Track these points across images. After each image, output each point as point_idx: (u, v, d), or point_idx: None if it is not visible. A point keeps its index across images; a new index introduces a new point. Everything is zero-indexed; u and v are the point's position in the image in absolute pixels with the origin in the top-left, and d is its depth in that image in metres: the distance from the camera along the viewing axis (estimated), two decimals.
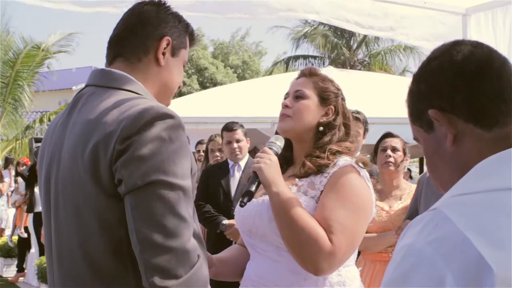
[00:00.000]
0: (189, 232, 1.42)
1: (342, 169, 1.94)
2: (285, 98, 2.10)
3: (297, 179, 2.00)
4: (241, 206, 1.90)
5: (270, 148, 2.00)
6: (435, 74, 1.06)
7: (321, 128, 2.04)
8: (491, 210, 0.90)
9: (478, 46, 1.07)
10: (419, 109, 1.08)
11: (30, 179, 9.17)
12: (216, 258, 2.09)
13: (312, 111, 2.04)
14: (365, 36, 24.33)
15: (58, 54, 18.10)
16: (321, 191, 1.94)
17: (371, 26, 3.70)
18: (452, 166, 1.04)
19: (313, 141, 2.04)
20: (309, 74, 2.11)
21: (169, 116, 1.45)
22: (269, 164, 1.91)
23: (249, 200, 1.90)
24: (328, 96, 2.07)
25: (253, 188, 1.90)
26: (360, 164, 2.00)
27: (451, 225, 0.88)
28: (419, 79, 1.09)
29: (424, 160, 1.14)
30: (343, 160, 1.98)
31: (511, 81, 1.03)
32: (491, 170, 0.96)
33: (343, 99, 2.11)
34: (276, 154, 1.99)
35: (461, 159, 1.02)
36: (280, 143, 2.03)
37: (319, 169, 1.97)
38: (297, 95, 2.06)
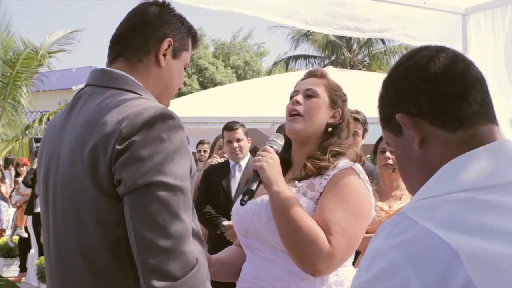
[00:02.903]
0: (188, 234, 1.42)
1: (342, 172, 1.94)
2: (292, 96, 2.08)
3: (296, 181, 1.99)
4: (242, 204, 1.89)
5: (271, 147, 1.99)
6: (402, 79, 1.08)
7: (329, 129, 2.04)
8: (457, 210, 0.91)
9: (443, 50, 1.08)
10: (388, 114, 1.09)
11: (32, 181, 9.17)
12: (214, 258, 2.09)
13: (323, 110, 2.04)
14: (366, 38, 24.30)
15: (59, 53, 18.07)
16: (321, 193, 1.93)
17: (371, 30, 3.71)
18: (419, 169, 1.05)
19: (318, 142, 2.04)
20: (320, 75, 2.11)
21: (169, 116, 1.45)
22: (271, 163, 1.91)
23: (249, 199, 1.89)
24: (337, 99, 2.07)
25: (254, 187, 1.89)
26: (357, 165, 2.00)
27: (417, 226, 0.89)
28: (387, 84, 1.11)
29: None
30: (343, 163, 1.97)
31: (475, 84, 1.04)
32: (452, 173, 0.97)
33: (347, 105, 2.13)
34: (277, 152, 1.99)
35: (428, 162, 1.04)
36: (280, 141, 2.02)
37: (319, 171, 1.97)
38: (308, 94, 2.04)
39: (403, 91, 1.06)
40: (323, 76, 2.11)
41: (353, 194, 1.91)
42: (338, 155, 2.00)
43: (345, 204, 1.88)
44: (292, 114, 2.03)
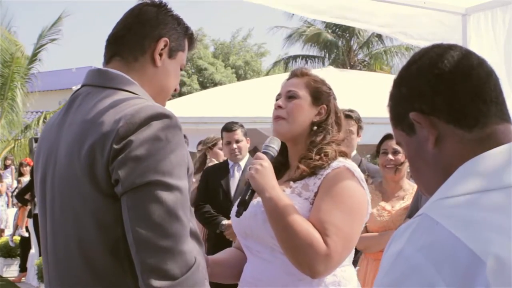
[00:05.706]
0: (186, 233, 1.42)
1: (335, 171, 1.94)
2: (276, 99, 2.11)
3: (291, 182, 2.00)
4: (237, 216, 1.91)
5: (265, 152, 2.00)
6: (415, 77, 1.06)
7: (314, 128, 2.05)
8: (478, 210, 0.90)
9: (456, 49, 1.07)
10: (400, 113, 1.08)
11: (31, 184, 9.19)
12: (211, 259, 2.09)
13: (305, 110, 2.05)
14: (367, 38, 24.32)
15: (57, 51, 18.03)
16: (315, 193, 1.94)
17: (369, 22, 3.71)
18: (434, 168, 1.04)
19: (307, 141, 2.05)
20: (300, 74, 2.13)
21: (165, 116, 1.45)
22: (260, 170, 1.91)
23: (244, 210, 1.91)
24: (320, 95, 2.08)
25: (246, 197, 1.91)
26: (351, 163, 1.99)
27: (440, 228, 0.88)
28: (399, 83, 1.10)
29: None
30: (337, 162, 1.98)
31: (490, 82, 1.03)
32: (475, 172, 0.95)
33: (334, 99, 2.13)
34: (272, 157, 2.00)
35: (444, 160, 1.02)
36: (274, 145, 2.04)
37: (313, 171, 1.97)
38: (289, 95, 2.07)
39: (417, 89, 1.05)
40: (303, 74, 2.12)
41: (348, 193, 1.91)
42: (330, 154, 1.99)
43: (340, 204, 1.88)
44: (276, 118, 2.07)
